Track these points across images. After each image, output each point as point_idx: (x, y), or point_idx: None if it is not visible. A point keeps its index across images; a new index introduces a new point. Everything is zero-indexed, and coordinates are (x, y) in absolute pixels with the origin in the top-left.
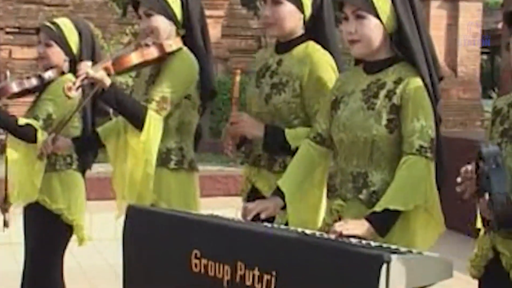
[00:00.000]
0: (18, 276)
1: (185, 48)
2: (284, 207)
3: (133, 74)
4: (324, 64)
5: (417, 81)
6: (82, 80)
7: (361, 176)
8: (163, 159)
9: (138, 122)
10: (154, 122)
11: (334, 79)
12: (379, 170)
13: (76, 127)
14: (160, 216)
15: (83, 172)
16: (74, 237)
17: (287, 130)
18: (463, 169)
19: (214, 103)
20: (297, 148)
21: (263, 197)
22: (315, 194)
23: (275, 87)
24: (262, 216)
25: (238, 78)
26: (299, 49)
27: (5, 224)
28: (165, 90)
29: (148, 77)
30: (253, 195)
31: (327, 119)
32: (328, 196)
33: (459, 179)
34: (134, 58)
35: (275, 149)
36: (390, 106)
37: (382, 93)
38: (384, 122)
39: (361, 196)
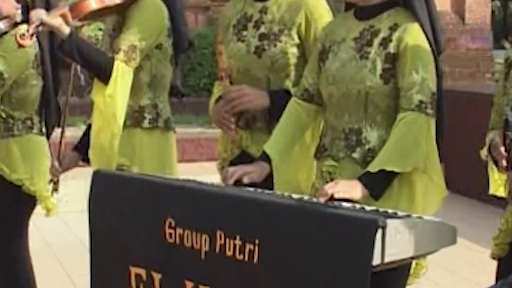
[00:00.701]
0: None
1: None
2: (270, 174)
3: (102, 26)
4: (321, 8)
5: (416, 28)
6: (37, 26)
7: (355, 133)
8: (135, 118)
9: (103, 74)
10: (122, 74)
11: None
12: (375, 126)
13: (34, 85)
14: (130, 182)
15: (47, 136)
16: (38, 209)
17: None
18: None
19: (196, 58)
20: None
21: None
22: (305, 157)
23: (265, 38)
24: (245, 180)
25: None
26: None
27: None
28: (133, 38)
29: (111, 30)
30: (244, 160)
31: (314, 73)
32: (317, 157)
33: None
34: (93, 3)
35: (280, 114)
36: (386, 55)
37: (376, 40)
38: (379, 72)
39: (354, 155)
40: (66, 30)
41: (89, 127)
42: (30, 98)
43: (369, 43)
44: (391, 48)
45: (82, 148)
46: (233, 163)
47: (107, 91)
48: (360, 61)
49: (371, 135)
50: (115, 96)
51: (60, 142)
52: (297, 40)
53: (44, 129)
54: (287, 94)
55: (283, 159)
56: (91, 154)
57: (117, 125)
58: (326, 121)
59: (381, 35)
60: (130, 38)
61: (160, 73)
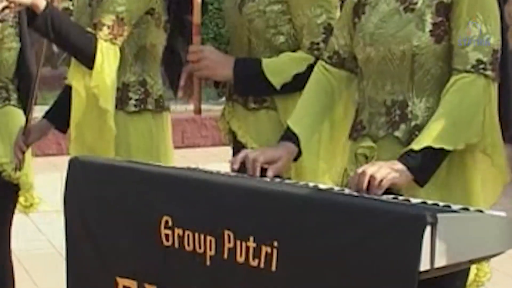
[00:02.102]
0: None
1: None
2: (298, 157)
3: None
4: None
5: None
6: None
7: (398, 106)
8: (117, 99)
9: (85, 57)
10: (108, 57)
11: None
12: (423, 97)
13: (12, 49)
14: (115, 172)
15: (24, 109)
16: None
17: (265, 61)
18: None
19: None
20: (282, 88)
21: (239, 144)
22: (337, 136)
23: None
24: (270, 172)
25: None
26: None
27: None
28: (119, 9)
29: None
30: (231, 138)
31: (346, 31)
32: (352, 137)
33: None
34: None
35: (250, 90)
36: (437, 5)
37: None
38: (428, 27)
39: (397, 133)
40: (42, 3)
41: (65, 95)
42: (7, 64)
43: None
44: None
45: (55, 116)
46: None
47: (92, 82)
48: (405, 14)
49: (419, 108)
50: (103, 87)
51: (27, 118)
52: None
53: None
54: (259, 65)
55: (311, 139)
56: (72, 148)
57: (112, 119)
58: (363, 92)
59: None
60: (115, 9)
61: (150, 42)
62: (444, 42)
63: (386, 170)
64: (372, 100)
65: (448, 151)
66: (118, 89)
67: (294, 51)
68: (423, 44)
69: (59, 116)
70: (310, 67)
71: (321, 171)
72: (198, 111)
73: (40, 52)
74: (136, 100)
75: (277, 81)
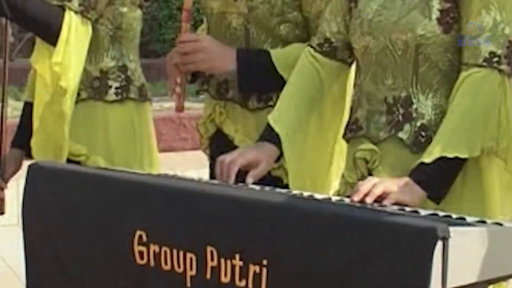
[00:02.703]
0: None
1: None
2: (279, 158)
3: None
4: None
5: None
6: None
7: (401, 103)
8: (95, 89)
9: (49, 33)
10: (76, 31)
11: None
12: (430, 93)
13: None
14: (82, 179)
15: None
16: None
17: (274, 53)
18: None
19: (173, 1)
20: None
21: (234, 147)
22: (326, 135)
23: None
24: (249, 179)
25: None
26: None
27: None
28: None
29: None
30: (220, 142)
31: (340, 16)
32: (348, 138)
33: None
34: None
35: (257, 85)
36: None
37: None
38: (435, 14)
39: (401, 135)
40: None
41: (26, 107)
42: None
43: None
44: None
45: (23, 143)
46: (211, 144)
47: (54, 58)
48: None
49: (425, 106)
50: (67, 64)
51: (1, 135)
52: None
53: None
54: (267, 56)
55: (296, 138)
56: (34, 143)
57: (68, 102)
58: (360, 87)
59: None
60: None
61: (126, 21)
62: (453, 31)
63: (394, 187)
64: (371, 96)
65: (464, 160)
66: (95, 78)
67: (301, 42)
68: (429, 34)
69: (28, 142)
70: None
71: (307, 175)
72: (180, 108)
73: (4, 43)
74: (117, 88)
75: (288, 75)
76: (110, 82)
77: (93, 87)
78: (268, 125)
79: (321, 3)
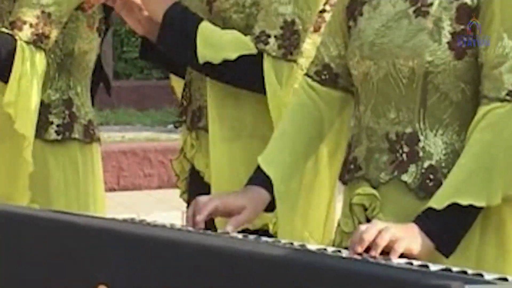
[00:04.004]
0: None
1: None
2: (270, 207)
3: None
4: None
5: None
6: None
7: (406, 141)
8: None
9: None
10: (31, 64)
11: None
12: (440, 129)
13: None
14: (35, 224)
15: None
16: None
17: (204, 25)
18: None
19: None
20: (205, 66)
21: (207, 187)
22: (324, 179)
23: None
24: (229, 227)
25: None
26: None
27: None
28: (44, 1)
29: None
30: (196, 184)
31: (340, 39)
32: (345, 180)
33: None
34: None
35: (170, 47)
36: (458, 9)
37: None
38: (446, 38)
39: (405, 178)
40: None
41: None
42: None
43: None
44: None
45: None
46: (190, 183)
47: (6, 97)
48: (415, 19)
49: (433, 144)
50: (22, 106)
51: None
52: None
53: None
54: (195, 23)
55: (289, 183)
56: None
57: (28, 151)
58: (359, 120)
59: None
60: (40, 1)
61: (79, 47)
62: (467, 57)
63: (399, 233)
64: (372, 131)
65: (480, 208)
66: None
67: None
68: (439, 60)
69: None
70: (243, 59)
71: (302, 225)
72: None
73: None
74: (58, 125)
75: (202, 54)
76: (51, 118)
77: None
78: (258, 167)
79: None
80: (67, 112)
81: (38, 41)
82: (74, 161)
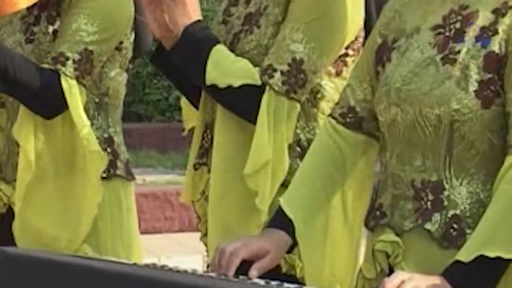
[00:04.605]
0: None
1: None
2: (292, 249)
3: None
4: None
5: None
6: None
7: (431, 189)
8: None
9: (44, 102)
10: (77, 96)
11: (343, 19)
12: (465, 178)
13: None
14: (55, 268)
15: None
16: None
17: (219, 48)
18: None
19: None
20: (210, 88)
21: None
22: (352, 224)
23: (248, 21)
24: (253, 273)
25: None
26: None
27: None
28: (88, 39)
29: (26, 11)
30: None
31: (366, 82)
32: (370, 227)
33: None
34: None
35: (182, 64)
36: (486, 57)
37: (471, 31)
38: (473, 86)
39: (429, 226)
40: None
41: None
42: None
43: (459, 36)
44: (496, 45)
45: None
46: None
47: (81, 132)
48: (443, 66)
49: (459, 194)
50: (89, 131)
51: None
52: (279, 22)
53: None
54: (209, 44)
55: (312, 227)
56: (16, 228)
57: (98, 185)
58: (385, 166)
59: (479, 21)
60: (83, 39)
61: (114, 87)
62: (494, 106)
63: (422, 284)
64: (397, 178)
65: (508, 260)
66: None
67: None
68: (466, 109)
69: None
70: (246, 87)
71: (329, 271)
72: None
73: None
74: None
75: (211, 76)
76: None
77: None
78: (279, 208)
79: (280, 34)
80: (109, 149)
81: (80, 77)
82: (118, 198)
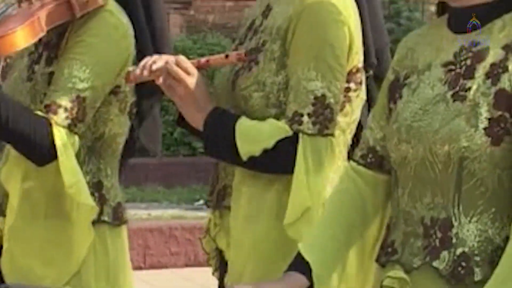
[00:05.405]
0: None
1: (111, 3)
2: None
3: None
4: (323, 9)
5: None
6: None
7: (440, 226)
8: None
9: (36, 149)
10: (71, 148)
11: (343, 42)
12: (474, 216)
13: None
14: None
15: None
16: None
17: (241, 122)
18: None
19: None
20: (250, 160)
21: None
22: (368, 266)
23: (248, 57)
24: None
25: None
26: None
27: None
28: (80, 86)
29: (34, 47)
30: (220, 262)
31: (384, 121)
32: (381, 262)
33: None
34: (21, 37)
35: (216, 152)
36: (496, 95)
37: (481, 69)
38: (483, 124)
39: (437, 264)
40: None
41: None
42: None
43: (469, 73)
44: (506, 82)
45: None
46: (218, 265)
47: (67, 181)
48: (453, 103)
49: (467, 231)
50: (82, 184)
51: None
52: (277, 59)
53: None
54: (232, 123)
55: (331, 271)
56: (4, 264)
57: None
58: (397, 202)
59: (490, 58)
60: (75, 85)
61: (110, 131)
62: (504, 144)
63: None
64: (408, 216)
65: None
66: None
67: None
68: (476, 146)
69: None
70: (280, 143)
71: None
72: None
73: None
74: None
75: (245, 151)
76: None
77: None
78: (298, 253)
79: (294, 78)
80: (97, 194)
81: (72, 125)
82: (104, 243)
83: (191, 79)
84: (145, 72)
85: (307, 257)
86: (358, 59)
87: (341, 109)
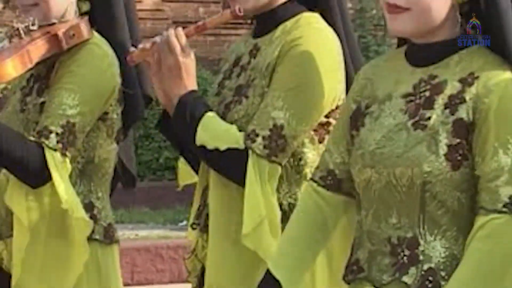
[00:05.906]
0: None
1: (95, 36)
2: None
3: None
4: (310, 43)
5: (505, 81)
6: None
7: (407, 244)
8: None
9: (30, 173)
10: (61, 168)
11: (334, 76)
12: (438, 234)
13: None
14: None
15: None
16: None
17: (210, 114)
18: None
19: (152, 118)
20: (200, 148)
21: None
22: (333, 278)
23: (238, 93)
24: None
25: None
26: (286, 26)
27: None
28: (70, 112)
29: (25, 82)
30: (202, 281)
31: (343, 146)
32: (347, 281)
33: None
34: (11, 67)
35: (180, 128)
36: (454, 124)
37: (440, 100)
38: (443, 150)
39: (406, 279)
40: None
41: None
42: None
43: (429, 104)
44: (464, 112)
45: None
46: (199, 285)
47: (64, 204)
48: (414, 131)
49: (433, 248)
50: (75, 201)
51: None
52: (264, 93)
53: None
54: (203, 109)
55: (298, 284)
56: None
57: (85, 251)
58: (360, 223)
59: (448, 90)
60: (65, 112)
61: (99, 155)
62: (462, 168)
63: None
64: (373, 235)
65: None
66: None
67: None
68: (436, 171)
69: None
70: (230, 151)
71: None
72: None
73: None
74: None
75: (201, 139)
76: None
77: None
78: (268, 271)
79: (264, 102)
80: (88, 214)
81: (63, 149)
82: (95, 261)
83: (184, 56)
84: (147, 45)
85: (277, 274)
86: (340, 100)
87: (321, 141)
